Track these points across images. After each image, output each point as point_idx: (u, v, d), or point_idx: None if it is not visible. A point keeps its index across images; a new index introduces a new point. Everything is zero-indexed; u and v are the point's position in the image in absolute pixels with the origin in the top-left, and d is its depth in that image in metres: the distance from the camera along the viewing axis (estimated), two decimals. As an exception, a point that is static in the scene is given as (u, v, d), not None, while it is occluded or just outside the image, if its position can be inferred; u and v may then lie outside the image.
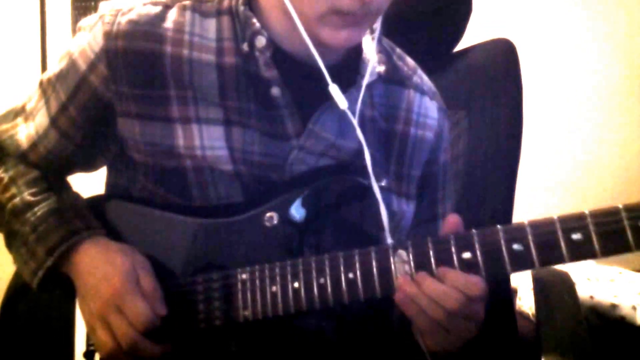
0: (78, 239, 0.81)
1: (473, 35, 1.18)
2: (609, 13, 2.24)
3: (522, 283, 1.66)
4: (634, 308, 1.51)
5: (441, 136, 0.92)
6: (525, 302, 1.61)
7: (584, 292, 1.56)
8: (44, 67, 2.06)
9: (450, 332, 0.71)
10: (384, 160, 0.87)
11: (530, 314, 1.56)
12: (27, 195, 0.85)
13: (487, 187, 1.12)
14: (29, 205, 0.84)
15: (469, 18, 1.15)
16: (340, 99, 0.78)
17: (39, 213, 0.83)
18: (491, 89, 1.14)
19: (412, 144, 0.89)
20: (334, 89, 0.78)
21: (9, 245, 0.86)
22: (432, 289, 0.69)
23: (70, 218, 0.83)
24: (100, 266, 0.78)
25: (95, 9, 2.07)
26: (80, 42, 0.83)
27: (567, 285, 1.15)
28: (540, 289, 1.15)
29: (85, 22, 0.85)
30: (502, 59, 1.15)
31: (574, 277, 1.21)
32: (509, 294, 1.17)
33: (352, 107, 0.82)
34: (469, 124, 1.14)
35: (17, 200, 0.85)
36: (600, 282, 1.62)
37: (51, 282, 0.82)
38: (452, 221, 0.72)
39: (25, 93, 0.92)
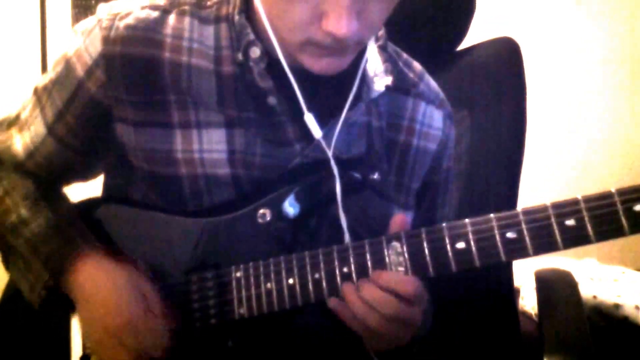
0: (73, 247, 0.79)
1: (476, 33, 1.18)
2: (612, 11, 2.23)
3: (525, 283, 1.65)
4: (637, 308, 1.50)
5: (446, 145, 0.91)
6: (528, 301, 1.61)
7: (586, 291, 1.55)
8: (44, 67, 2.05)
9: (381, 336, 0.73)
10: (387, 170, 0.87)
11: (532, 313, 1.56)
12: (22, 210, 0.84)
13: (490, 187, 1.11)
14: (24, 221, 0.83)
15: (472, 16, 1.14)
16: (315, 129, 0.78)
17: (33, 226, 0.82)
18: (494, 88, 1.13)
19: (414, 156, 0.88)
20: (309, 119, 0.77)
21: (7, 261, 0.85)
22: (368, 293, 0.70)
23: (64, 228, 0.82)
24: (103, 284, 0.77)
25: (95, 7, 2.07)
26: (76, 47, 0.82)
27: (569, 285, 1.15)
28: (543, 288, 1.14)
29: (82, 26, 0.83)
30: (505, 58, 1.14)
31: (577, 277, 1.21)
32: (512, 294, 1.16)
33: (360, 119, 0.83)
34: (472, 123, 1.14)
35: (13, 215, 0.84)
36: (603, 281, 1.61)
37: (51, 298, 0.80)
38: (398, 221, 0.73)
39: (25, 93, 0.91)
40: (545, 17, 2.22)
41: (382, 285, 0.70)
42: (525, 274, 1.62)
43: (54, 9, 2.05)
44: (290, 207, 0.79)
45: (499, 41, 1.17)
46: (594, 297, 1.55)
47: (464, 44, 1.19)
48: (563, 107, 2.25)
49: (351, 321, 0.72)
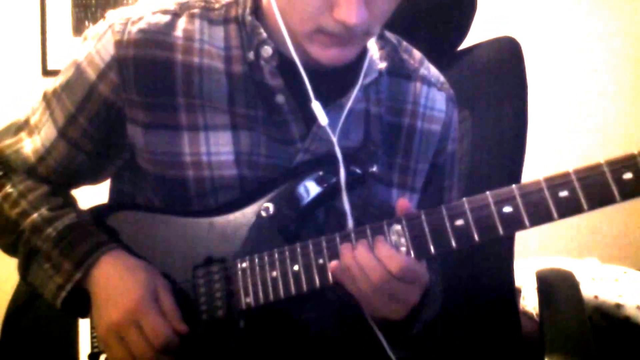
0: (105, 249, 0.81)
1: (477, 33, 1.18)
2: (614, 10, 2.23)
3: (526, 282, 1.65)
4: (639, 308, 1.50)
5: (449, 126, 0.93)
6: (529, 301, 1.61)
7: (588, 291, 1.55)
8: (44, 67, 2.05)
9: (374, 305, 0.74)
10: (389, 154, 0.89)
11: (534, 313, 1.56)
12: (45, 211, 0.84)
13: (492, 187, 1.11)
14: (49, 221, 0.83)
15: (473, 16, 1.15)
16: (321, 116, 0.79)
17: (60, 227, 0.83)
18: (495, 88, 1.14)
19: (419, 138, 0.90)
20: (316, 106, 0.79)
21: (27, 264, 0.84)
22: (362, 256, 0.72)
23: (94, 231, 0.83)
24: (120, 280, 0.78)
25: (95, 7, 2.07)
26: (88, 52, 0.83)
27: (571, 285, 1.15)
28: (544, 288, 1.14)
29: (93, 31, 0.85)
30: (506, 58, 1.15)
31: (578, 277, 1.21)
32: (513, 294, 1.17)
33: (355, 107, 0.84)
34: (473, 123, 1.14)
35: (33, 214, 0.84)
36: (604, 281, 1.61)
37: (74, 299, 0.81)
38: (403, 204, 0.74)
39: (25, 93, 0.91)
40: (546, 16, 2.21)
41: (376, 254, 0.72)
42: (526, 274, 1.62)
43: (54, 9, 2.05)
44: (293, 200, 0.81)
45: (500, 41, 1.17)
46: (596, 297, 1.55)
47: (465, 44, 1.19)
48: (564, 106, 2.25)
49: (349, 285, 0.74)
